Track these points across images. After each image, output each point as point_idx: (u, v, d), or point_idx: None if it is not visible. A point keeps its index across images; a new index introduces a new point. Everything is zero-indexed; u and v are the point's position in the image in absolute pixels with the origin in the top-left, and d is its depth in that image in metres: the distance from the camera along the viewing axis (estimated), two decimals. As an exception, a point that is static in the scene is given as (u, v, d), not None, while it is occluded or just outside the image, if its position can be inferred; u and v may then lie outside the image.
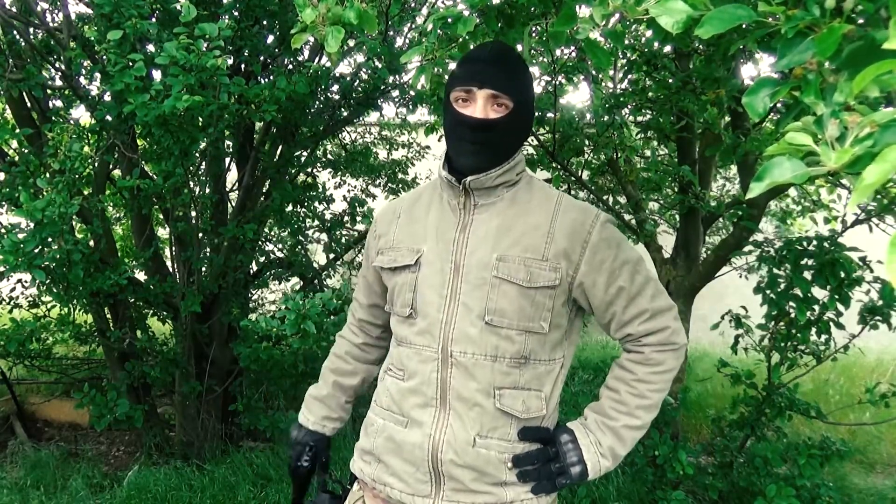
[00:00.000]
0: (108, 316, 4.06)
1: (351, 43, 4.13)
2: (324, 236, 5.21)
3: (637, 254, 1.37)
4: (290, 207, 4.65)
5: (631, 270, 1.34)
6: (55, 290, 3.38)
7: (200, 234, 3.85)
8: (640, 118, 4.15)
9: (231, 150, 4.36)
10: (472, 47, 1.61)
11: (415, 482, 1.34)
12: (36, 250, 2.72)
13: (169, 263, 4.29)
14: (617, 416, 1.35)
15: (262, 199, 4.26)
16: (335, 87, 4.13)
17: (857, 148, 0.60)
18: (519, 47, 1.77)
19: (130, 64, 2.75)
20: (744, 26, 1.02)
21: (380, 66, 3.81)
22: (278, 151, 4.23)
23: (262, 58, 3.84)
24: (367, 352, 1.63)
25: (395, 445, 1.37)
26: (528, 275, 1.30)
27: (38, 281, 2.88)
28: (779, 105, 2.72)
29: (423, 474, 1.33)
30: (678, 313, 1.32)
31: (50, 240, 2.82)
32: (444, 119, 1.38)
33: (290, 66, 4.01)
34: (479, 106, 1.29)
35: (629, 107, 3.99)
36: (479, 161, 1.32)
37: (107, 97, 3.35)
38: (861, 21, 0.83)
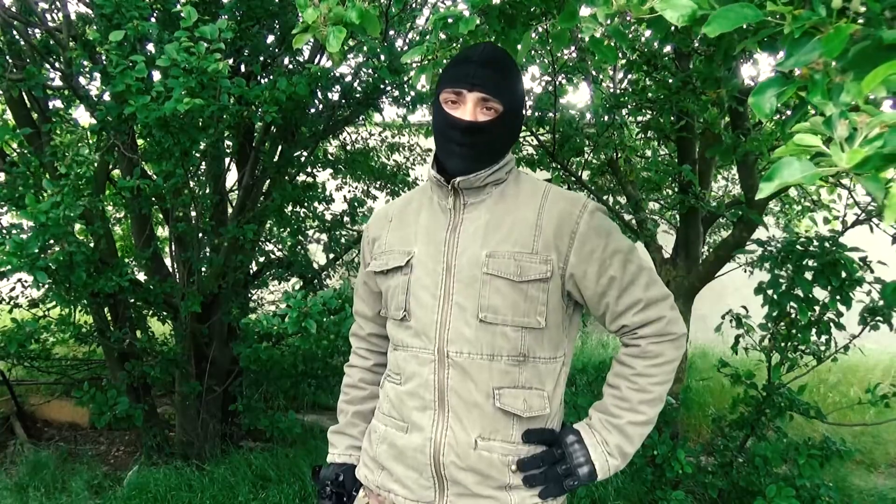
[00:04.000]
0: (108, 316, 4.06)
1: (351, 43, 4.12)
2: (324, 236, 5.21)
3: (629, 242, 1.35)
4: (290, 207, 4.65)
5: (622, 260, 1.31)
6: (57, 292, 3.38)
7: (200, 235, 3.84)
8: (640, 118, 4.15)
9: (231, 150, 4.36)
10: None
11: (418, 488, 1.33)
12: (38, 252, 2.71)
13: (169, 264, 4.29)
14: (620, 413, 1.33)
15: (262, 199, 4.25)
16: (335, 87, 4.13)
17: (867, 148, 0.60)
18: (519, 47, 1.77)
19: (131, 65, 2.75)
20: (745, 26, 1.02)
21: (379, 66, 3.81)
22: (278, 151, 4.23)
23: (262, 58, 3.83)
24: (381, 372, 1.57)
25: (398, 452, 1.36)
26: (519, 269, 1.28)
27: (39, 282, 2.87)
28: (778, 106, 2.72)
29: (426, 479, 1.32)
30: (679, 313, 1.32)
31: (52, 242, 2.82)
32: (434, 118, 1.36)
33: (291, 67, 4.01)
34: (469, 109, 1.28)
35: (629, 107, 4.00)
36: (469, 163, 1.31)
37: (106, 97, 3.34)
38: (861, 21, 0.83)
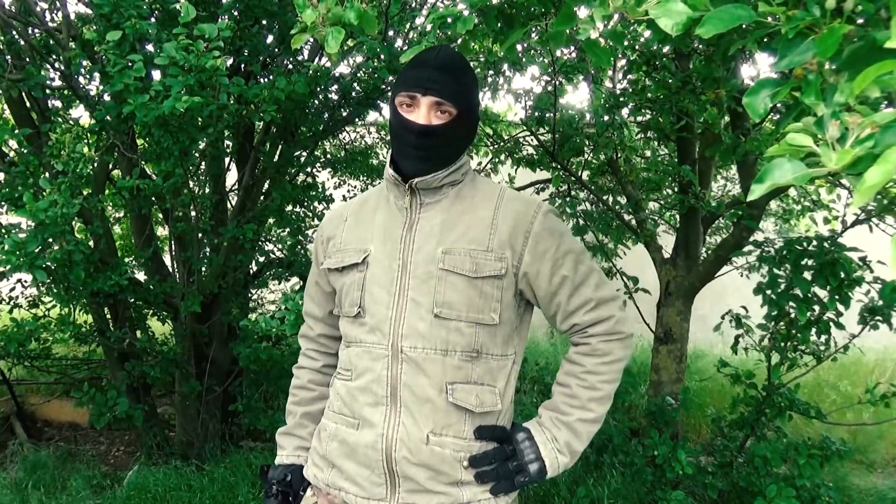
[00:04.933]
0: (108, 316, 4.06)
1: (350, 43, 4.12)
2: (324, 236, 5.19)
3: (580, 244, 1.40)
4: (289, 207, 4.65)
5: (574, 260, 1.36)
6: (56, 291, 3.38)
7: (200, 234, 3.84)
8: (640, 118, 4.15)
9: (231, 150, 4.35)
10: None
11: (370, 485, 1.34)
12: (37, 250, 2.72)
13: (169, 263, 4.29)
14: (570, 410, 1.36)
15: (262, 199, 4.26)
16: (335, 87, 4.13)
17: (857, 149, 0.60)
18: (518, 47, 1.78)
19: (130, 64, 2.75)
20: (744, 26, 1.02)
21: (379, 66, 3.81)
22: (278, 151, 4.23)
23: (261, 58, 3.83)
24: (330, 373, 1.58)
25: (349, 449, 1.36)
26: (474, 265, 1.31)
27: (39, 281, 2.87)
28: (779, 105, 2.72)
29: (377, 476, 1.33)
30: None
31: (51, 240, 2.82)
32: (390, 120, 1.39)
33: (290, 67, 4.01)
34: (423, 112, 1.31)
35: (629, 107, 3.99)
36: (423, 165, 1.34)
37: (106, 97, 3.35)
38: (861, 21, 0.83)
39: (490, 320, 1.32)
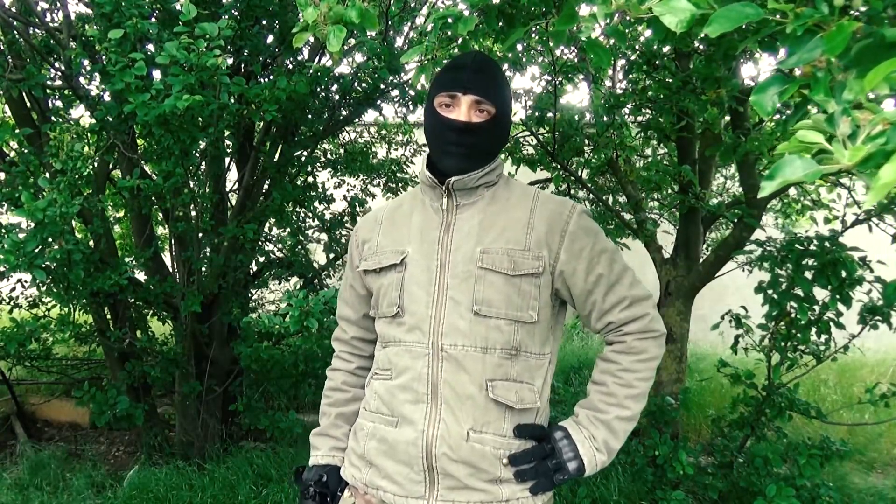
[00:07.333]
0: (108, 316, 4.06)
1: (351, 42, 4.12)
2: (324, 236, 5.21)
3: (613, 244, 1.42)
4: (290, 207, 4.65)
5: (609, 259, 1.38)
6: (55, 290, 3.38)
7: (200, 234, 3.84)
8: (640, 118, 4.15)
9: (231, 149, 4.35)
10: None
11: (408, 483, 1.34)
12: (36, 250, 2.71)
13: (169, 263, 4.29)
14: (607, 408, 1.37)
15: (262, 199, 4.25)
16: (335, 87, 4.13)
17: (869, 145, 0.60)
18: (519, 47, 1.78)
19: (131, 63, 2.75)
20: (743, 26, 1.02)
21: (380, 65, 3.81)
22: (278, 151, 4.23)
23: (262, 58, 3.83)
24: (363, 375, 1.60)
25: (388, 447, 1.37)
26: (512, 264, 1.34)
27: (38, 281, 2.86)
28: (779, 105, 2.72)
29: (416, 474, 1.33)
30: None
31: (50, 240, 2.82)
32: (427, 123, 1.42)
33: (291, 66, 4.01)
34: (463, 110, 1.35)
35: (629, 107, 3.99)
36: (464, 163, 1.37)
37: (107, 97, 3.34)
38: (865, 19, 0.83)
39: (528, 318, 1.34)
